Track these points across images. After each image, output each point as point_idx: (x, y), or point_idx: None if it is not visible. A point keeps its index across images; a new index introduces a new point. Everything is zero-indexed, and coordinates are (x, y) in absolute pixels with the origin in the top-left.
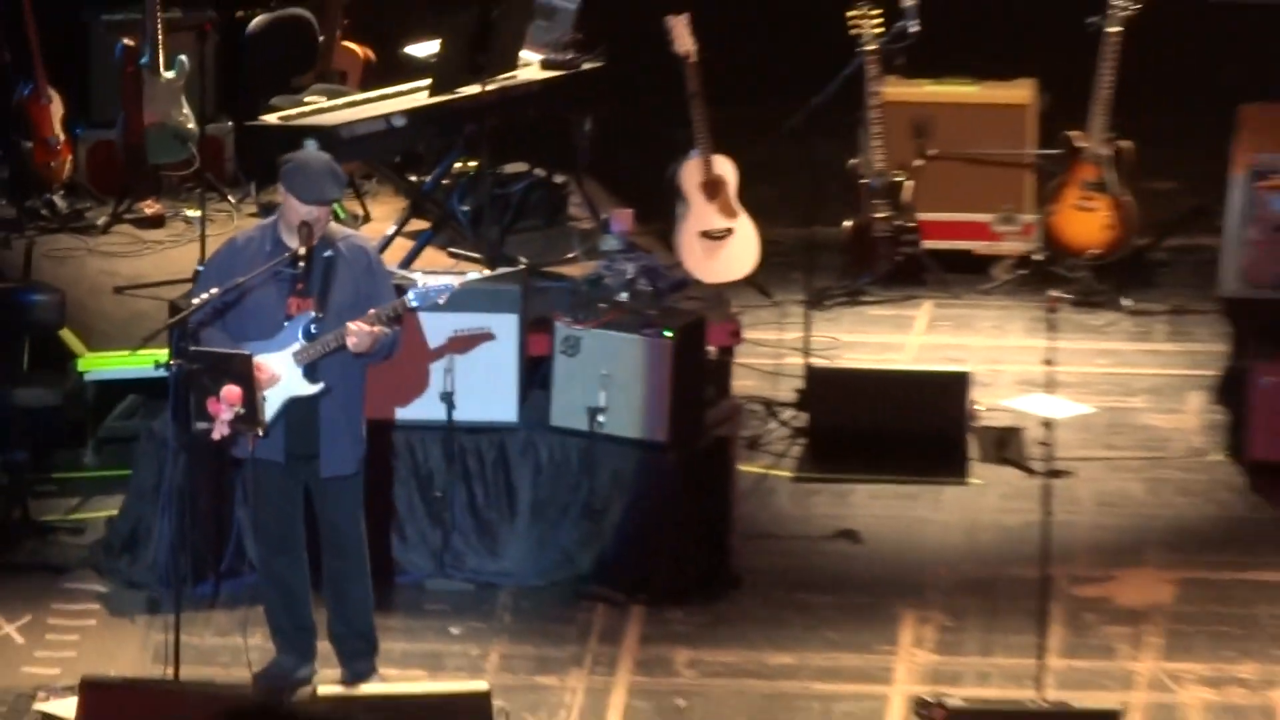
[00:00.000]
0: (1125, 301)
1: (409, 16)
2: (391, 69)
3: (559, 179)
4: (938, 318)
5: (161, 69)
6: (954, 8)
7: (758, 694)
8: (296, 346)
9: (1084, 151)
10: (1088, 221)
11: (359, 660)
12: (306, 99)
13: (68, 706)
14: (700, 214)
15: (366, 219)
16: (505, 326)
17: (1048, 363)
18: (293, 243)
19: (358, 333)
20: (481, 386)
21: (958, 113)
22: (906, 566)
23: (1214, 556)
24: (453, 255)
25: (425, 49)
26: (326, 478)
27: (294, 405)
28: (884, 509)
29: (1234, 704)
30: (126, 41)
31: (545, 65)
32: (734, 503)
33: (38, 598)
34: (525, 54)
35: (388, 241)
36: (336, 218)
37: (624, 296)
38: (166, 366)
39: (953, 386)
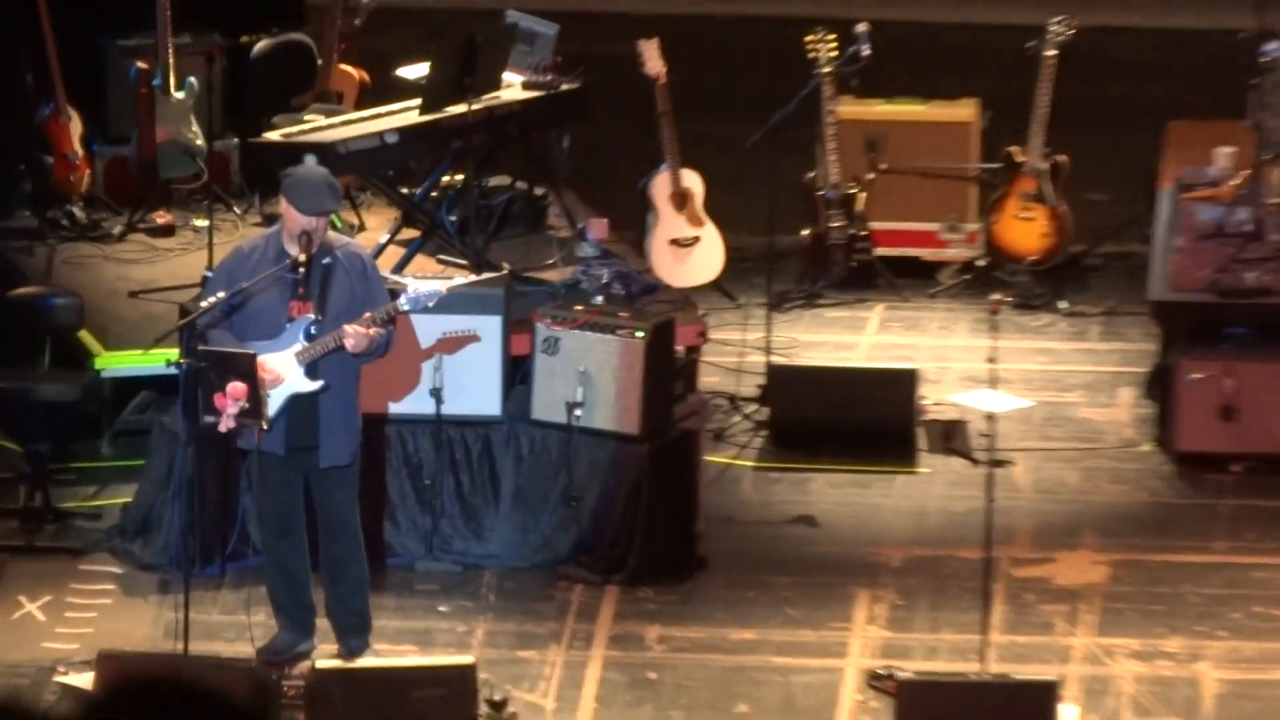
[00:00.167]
0: (1062, 304)
1: (401, 41)
2: (384, 90)
3: (539, 191)
4: (888, 319)
5: (172, 90)
6: (903, 33)
7: (722, 668)
8: (298, 347)
9: (1023, 166)
10: (1027, 230)
11: (354, 636)
12: (306, 117)
13: (85, 679)
14: (669, 223)
15: (362, 228)
16: (490, 328)
17: (990, 361)
18: (294, 250)
19: (354, 334)
20: (468, 383)
21: (907, 130)
22: (860, 549)
23: (1144, 540)
24: (441, 262)
25: (416, 71)
26: (325, 468)
27: (295, 401)
28: (839, 496)
29: (1162, 676)
30: (140, 64)
31: (526, 86)
32: (700, 490)
33: (58, 578)
34: (508, 76)
35: (381, 249)
36: (334, 227)
37: (599, 300)
38: (177, 364)
39: (902, 382)
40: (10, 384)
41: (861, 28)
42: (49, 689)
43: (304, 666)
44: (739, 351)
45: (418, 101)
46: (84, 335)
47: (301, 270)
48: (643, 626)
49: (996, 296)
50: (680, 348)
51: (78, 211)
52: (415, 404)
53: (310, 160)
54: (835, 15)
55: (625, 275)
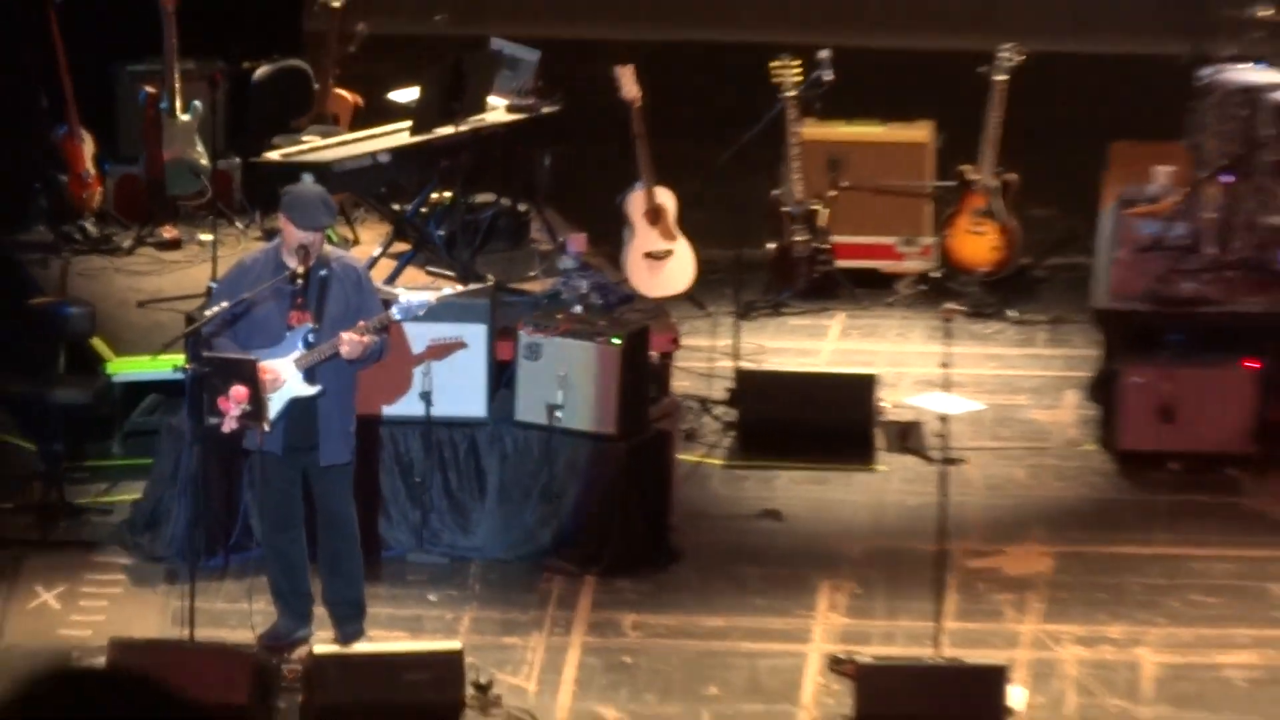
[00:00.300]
0: (1010, 312)
1: (392, 67)
2: (377, 112)
3: (522, 207)
4: (849, 327)
5: (178, 112)
6: (862, 60)
7: (694, 652)
8: (297, 353)
9: (975, 183)
10: (978, 243)
11: (350, 623)
12: (304, 138)
13: (98, 664)
14: (644, 237)
15: (356, 242)
16: (476, 335)
17: (944, 366)
18: (292, 263)
19: (350, 342)
20: (455, 386)
21: (866, 150)
22: (822, 542)
23: (1087, 533)
24: (430, 273)
25: (406, 95)
26: (324, 466)
27: (295, 404)
28: (803, 492)
29: (1105, 660)
30: (148, 89)
31: (510, 109)
32: (673, 487)
33: (72, 569)
34: (493, 99)
35: (374, 261)
36: (330, 241)
37: (578, 309)
38: (183, 370)
39: (862, 386)
40: (27, 388)
41: (824, 54)
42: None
43: (302, 651)
44: (709, 357)
45: (408, 123)
46: (96, 342)
47: (300, 282)
48: (619, 614)
49: (949, 305)
50: (654, 354)
51: (90, 226)
52: (406, 406)
53: (307, 179)
54: (799, 42)
55: (603, 286)
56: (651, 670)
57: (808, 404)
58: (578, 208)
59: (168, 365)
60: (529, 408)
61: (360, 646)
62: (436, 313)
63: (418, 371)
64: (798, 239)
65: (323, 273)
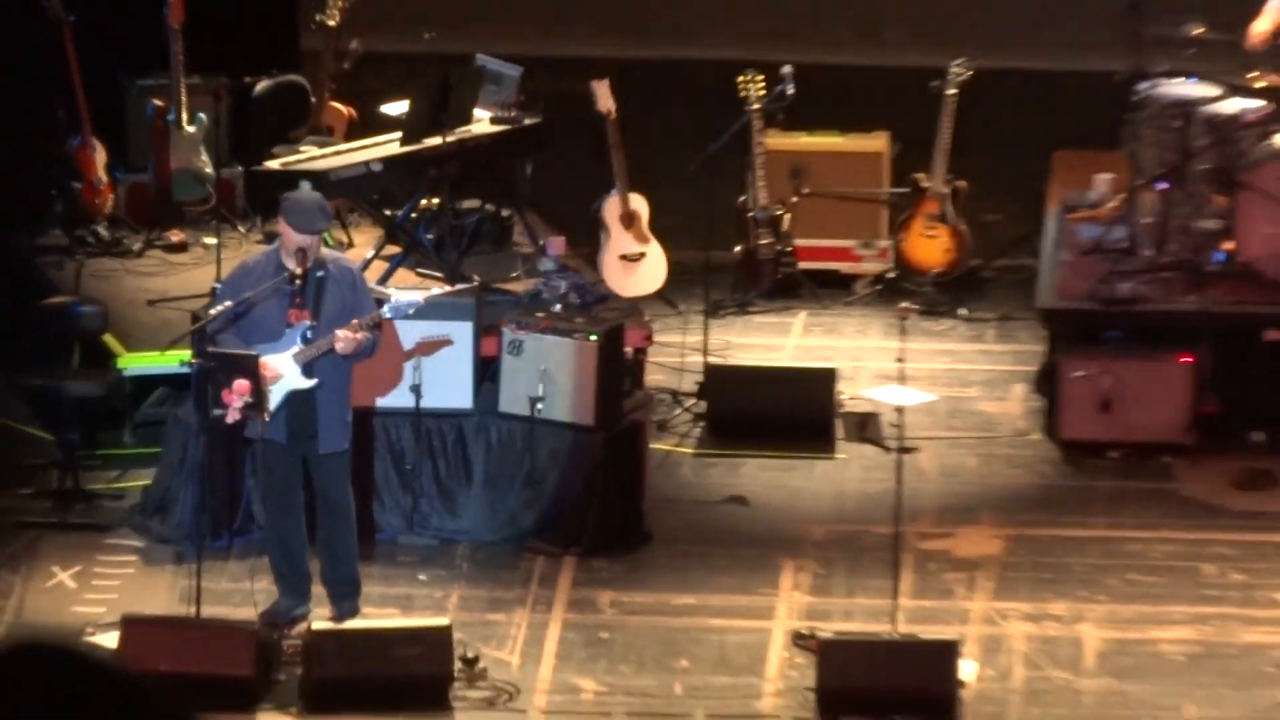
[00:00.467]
0: (962, 310)
1: (384, 82)
2: (370, 124)
3: (505, 213)
4: (811, 324)
5: (185, 124)
6: (822, 75)
7: (666, 628)
8: (296, 349)
9: (928, 190)
10: (931, 246)
11: (346, 601)
12: (302, 149)
13: (111, 639)
14: (619, 241)
15: (350, 245)
16: (462, 332)
17: (899, 360)
18: (291, 264)
19: (344, 339)
20: (443, 380)
21: (826, 159)
22: (786, 525)
23: (1033, 517)
24: (420, 274)
25: (397, 108)
26: (322, 454)
27: (294, 396)
28: (768, 479)
29: (1049, 635)
30: (156, 102)
31: (494, 121)
32: (647, 474)
33: (86, 551)
34: (478, 112)
35: (367, 263)
36: (326, 244)
37: (558, 307)
38: (190, 364)
39: (823, 380)
40: (44, 382)
41: (786, 70)
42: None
43: (301, 628)
44: (680, 353)
45: (399, 135)
46: (108, 339)
47: (298, 282)
48: (597, 592)
49: (905, 304)
50: (629, 349)
51: (102, 230)
52: (397, 399)
53: (305, 186)
54: (763, 59)
55: (581, 286)
56: (627, 645)
57: (772, 396)
58: (557, 213)
59: (175, 360)
60: (512, 400)
61: (355, 623)
62: (425, 311)
63: (408, 366)
64: (763, 242)
65: (320, 273)
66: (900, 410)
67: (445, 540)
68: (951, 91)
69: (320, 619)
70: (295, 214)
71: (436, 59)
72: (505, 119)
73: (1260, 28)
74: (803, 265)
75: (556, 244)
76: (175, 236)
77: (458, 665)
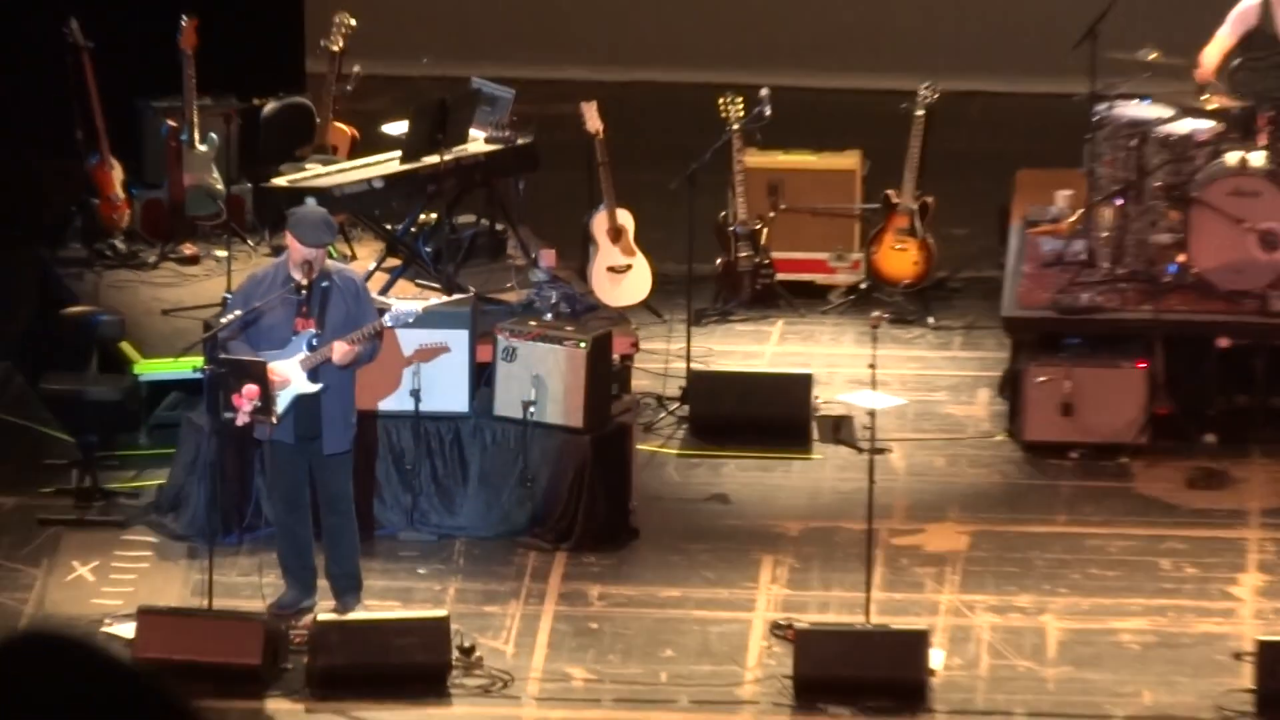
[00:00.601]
0: (930, 319)
1: (385, 104)
2: (371, 143)
3: (499, 227)
4: (788, 332)
5: (197, 143)
6: (798, 97)
7: (652, 619)
8: (302, 355)
9: (897, 205)
10: (901, 259)
11: (349, 594)
12: (307, 166)
13: (128, 629)
14: (607, 253)
15: (353, 257)
16: (459, 340)
17: (871, 366)
18: (298, 276)
19: (340, 351)
20: (441, 385)
21: (801, 176)
22: (764, 522)
23: (998, 514)
24: (419, 285)
25: (397, 128)
26: (327, 454)
27: (300, 400)
28: (747, 478)
29: (1013, 626)
30: (170, 122)
31: (489, 140)
32: (633, 473)
33: (104, 546)
34: (473, 132)
35: (370, 274)
36: (331, 256)
37: (549, 316)
38: (202, 370)
39: (799, 384)
40: (65, 386)
41: (764, 92)
42: (97, 639)
43: (307, 619)
44: (664, 359)
45: (399, 153)
46: (125, 346)
47: (304, 292)
48: (586, 586)
49: (876, 313)
50: (616, 356)
51: (120, 244)
52: (398, 402)
53: (311, 202)
54: (742, 81)
55: (570, 296)
56: (615, 635)
57: (751, 400)
58: (548, 227)
59: (188, 366)
60: (506, 404)
61: (358, 614)
62: (424, 320)
63: (408, 371)
64: (742, 255)
65: (324, 284)
66: (872, 413)
67: (443, 536)
68: (920, 113)
69: (325, 610)
70: (301, 228)
71: (434, 82)
72: (499, 139)
73: (1213, 49)
74: (780, 277)
75: (548, 256)
76: (188, 249)
77: (455, 654)
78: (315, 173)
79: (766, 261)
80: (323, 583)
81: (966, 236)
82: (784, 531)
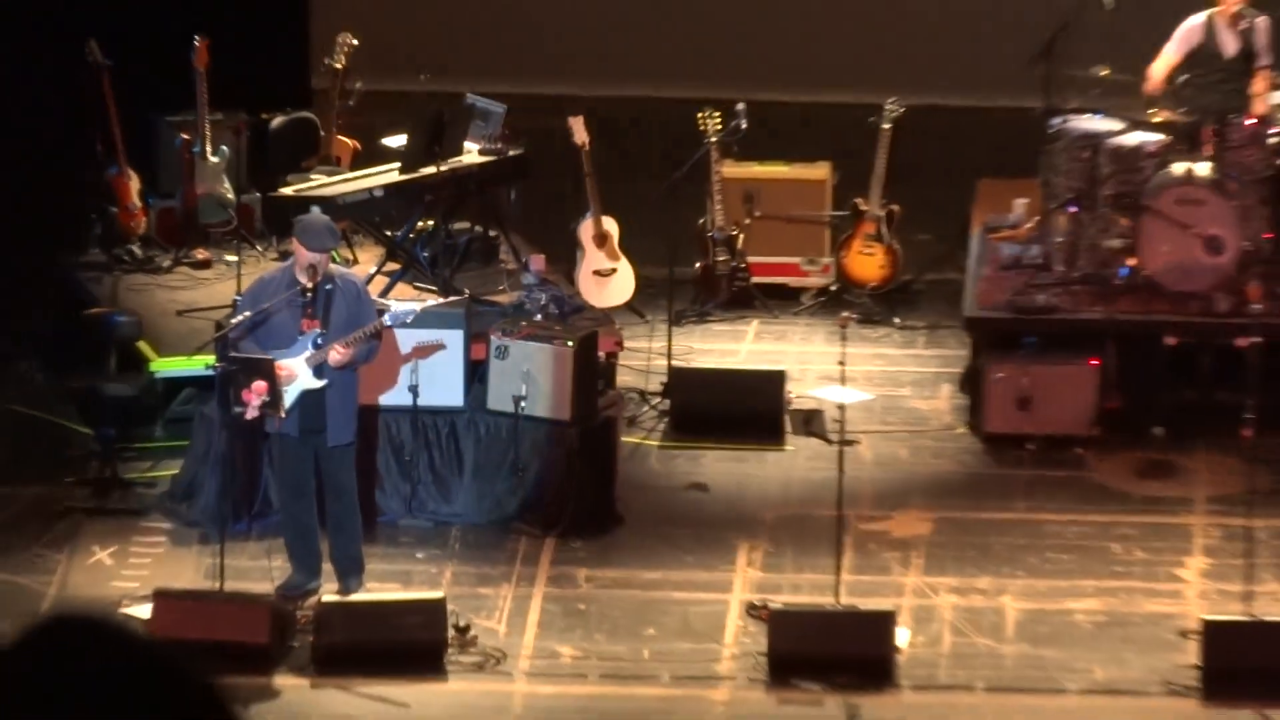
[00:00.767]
0: (895, 319)
1: (385, 118)
2: (372, 155)
3: (492, 233)
4: (762, 331)
5: (209, 155)
6: (772, 111)
7: (635, 600)
8: (307, 353)
9: (865, 213)
10: (868, 263)
11: (352, 577)
12: (312, 177)
13: (145, 610)
14: (593, 258)
15: (355, 262)
16: (454, 339)
17: (841, 363)
18: (303, 279)
19: (338, 352)
20: (438, 381)
21: (775, 185)
22: (741, 509)
23: (960, 501)
24: (417, 288)
25: (396, 141)
26: (331, 446)
27: (306, 395)
28: (725, 468)
29: (974, 606)
30: (183, 135)
31: (482, 152)
32: (618, 464)
33: (123, 532)
34: (468, 144)
35: (371, 278)
36: (334, 261)
37: (539, 317)
38: (214, 368)
39: (773, 381)
40: (85, 383)
41: (740, 107)
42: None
43: (313, 600)
44: (647, 357)
45: (398, 164)
46: (142, 345)
47: (309, 294)
48: (574, 569)
49: (845, 314)
50: (602, 354)
51: (136, 249)
52: (397, 397)
53: (315, 209)
54: (720, 97)
55: (559, 298)
56: (601, 615)
57: (728, 395)
58: (538, 234)
59: (201, 364)
60: (499, 398)
61: (360, 596)
62: (422, 320)
63: (406, 368)
64: (720, 259)
65: (328, 286)
66: (841, 407)
67: (440, 523)
68: (886, 126)
69: (329, 592)
70: (307, 234)
71: (431, 97)
72: (492, 150)
73: (1159, 66)
74: (755, 280)
75: (537, 261)
76: (200, 254)
77: (451, 633)
78: (320, 182)
79: (742, 265)
80: (327, 566)
81: (930, 242)
82: (759, 518)
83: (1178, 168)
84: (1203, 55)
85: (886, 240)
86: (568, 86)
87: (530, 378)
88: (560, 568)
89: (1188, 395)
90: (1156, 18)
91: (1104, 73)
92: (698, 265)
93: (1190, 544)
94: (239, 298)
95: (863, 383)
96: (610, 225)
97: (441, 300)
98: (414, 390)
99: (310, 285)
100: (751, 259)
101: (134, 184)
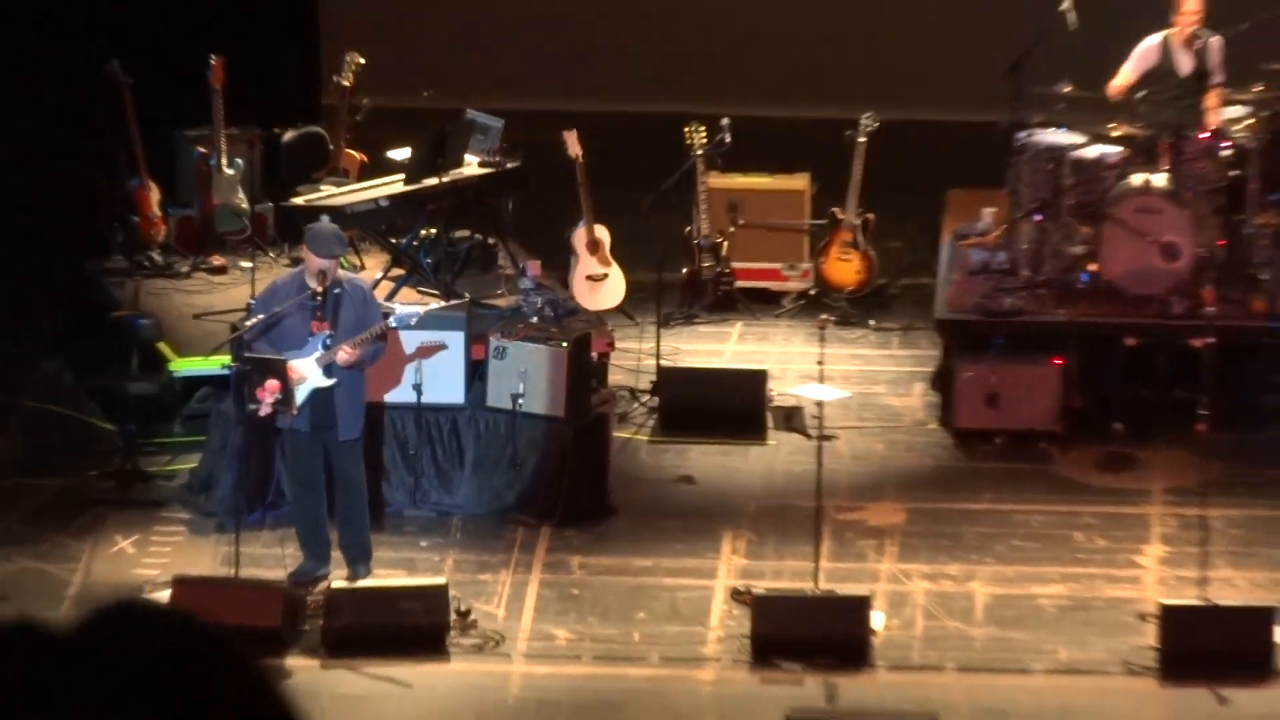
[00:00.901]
0: (871, 321)
1: (390, 132)
2: (379, 167)
3: (491, 241)
4: (745, 333)
5: (224, 167)
6: (754, 125)
7: (627, 587)
8: (318, 354)
9: (842, 221)
10: (845, 268)
11: (359, 564)
12: (321, 188)
13: (165, 596)
14: (586, 264)
15: (362, 268)
16: (455, 340)
17: (819, 363)
18: (313, 284)
19: (345, 353)
20: (440, 379)
21: (757, 196)
22: (725, 500)
23: (931, 493)
24: (420, 292)
25: (401, 154)
26: (340, 441)
27: (316, 394)
28: (711, 462)
29: (945, 591)
30: (200, 149)
31: (482, 164)
32: (610, 457)
33: (144, 522)
34: (468, 157)
35: (377, 283)
36: (342, 266)
37: (535, 320)
38: (229, 367)
39: (756, 379)
40: (108, 382)
41: (724, 122)
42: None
43: (323, 586)
44: (637, 357)
45: (403, 176)
46: (162, 346)
47: (319, 298)
48: (569, 556)
49: (824, 317)
50: (595, 354)
51: (156, 256)
52: (401, 395)
53: (325, 218)
54: (705, 112)
55: (554, 302)
56: (594, 600)
57: (714, 393)
58: (534, 241)
59: (217, 364)
60: (498, 396)
61: (367, 582)
62: (425, 322)
63: (410, 368)
64: (705, 265)
65: (337, 291)
66: (820, 404)
67: (442, 513)
68: (862, 139)
69: (338, 579)
70: (316, 242)
71: (433, 113)
72: (490, 163)
73: (1118, 82)
74: (739, 284)
75: (534, 267)
76: (217, 261)
77: (453, 617)
78: (329, 193)
79: (727, 271)
80: (336, 554)
81: (903, 249)
82: (743, 509)
83: (1136, 179)
84: (1159, 73)
85: (862, 247)
86: (562, 103)
87: (527, 377)
88: (556, 555)
89: (1146, 393)
90: (1117, 38)
91: (1067, 89)
92: (684, 270)
93: (1148, 533)
94: (253, 302)
95: (840, 381)
96: (602, 233)
97: (443, 304)
98: (418, 388)
99: (320, 290)
100: (735, 264)
101: (154, 195)
